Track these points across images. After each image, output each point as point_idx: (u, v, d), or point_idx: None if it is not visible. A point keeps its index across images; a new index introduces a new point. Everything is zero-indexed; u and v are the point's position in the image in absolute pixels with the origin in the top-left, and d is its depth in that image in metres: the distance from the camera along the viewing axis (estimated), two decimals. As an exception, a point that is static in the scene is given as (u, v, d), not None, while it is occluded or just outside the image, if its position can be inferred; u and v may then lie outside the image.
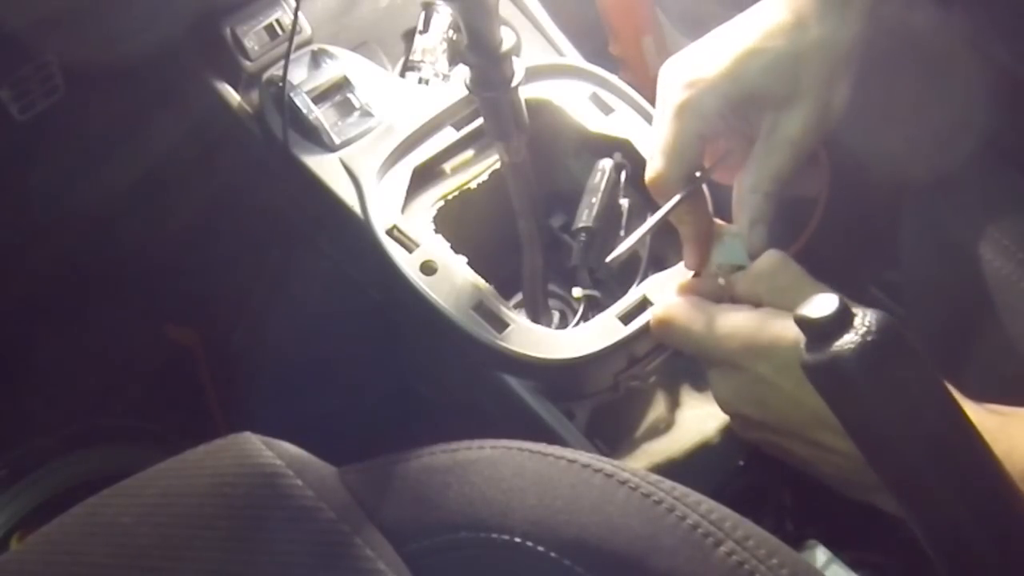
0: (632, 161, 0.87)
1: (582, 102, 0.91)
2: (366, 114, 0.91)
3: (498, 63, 0.77)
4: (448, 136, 0.90)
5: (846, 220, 0.85)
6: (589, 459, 0.67)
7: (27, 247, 1.04)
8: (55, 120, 0.91)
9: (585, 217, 0.87)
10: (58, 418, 1.14)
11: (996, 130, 0.81)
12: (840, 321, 0.55)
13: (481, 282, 0.83)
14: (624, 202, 0.88)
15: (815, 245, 0.81)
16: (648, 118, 0.88)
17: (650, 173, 0.77)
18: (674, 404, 0.85)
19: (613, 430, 0.84)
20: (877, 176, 0.85)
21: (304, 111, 0.90)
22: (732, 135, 0.79)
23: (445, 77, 0.96)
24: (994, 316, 0.79)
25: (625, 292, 0.83)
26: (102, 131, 0.98)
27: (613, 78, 0.92)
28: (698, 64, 0.77)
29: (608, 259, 0.79)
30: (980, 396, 0.67)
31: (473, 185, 0.90)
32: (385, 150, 0.88)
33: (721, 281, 0.77)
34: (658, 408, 0.85)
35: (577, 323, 0.88)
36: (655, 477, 0.65)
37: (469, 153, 0.91)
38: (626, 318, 0.81)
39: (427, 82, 0.96)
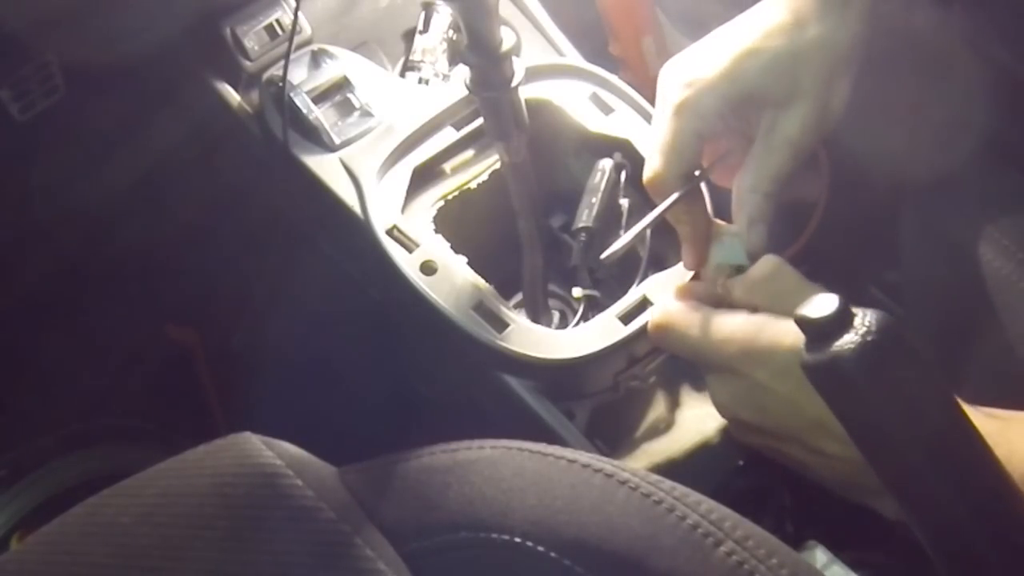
0: (632, 161, 0.87)
1: (582, 102, 0.91)
2: (366, 114, 0.91)
3: (498, 63, 0.77)
4: (448, 136, 0.90)
5: (846, 220, 0.85)
6: (589, 459, 0.67)
7: (27, 247, 1.04)
8: (55, 120, 0.91)
9: (585, 217, 0.87)
10: (58, 418, 1.14)
11: (996, 130, 0.81)
12: (840, 321, 0.55)
13: (481, 282, 0.83)
14: (624, 202, 0.88)
15: (815, 245, 0.81)
16: (648, 118, 0.88)
17: (648, 172, 0.77)
18: (674, 404, 0.85)
19: (613, 430, 0.84)
20: (877, 176, 0.85)
21: (304, 111, 0.90)
22: (731, 135, 0.79)
23: (445, 77, 0.96)
24: (994, 316, 0.79)
25: (625, 292, 0.83)
26: (102, 131, 0.98)
27: (613, 78, 0.92)
28: (697, 64, 0.77)
29: (603, 256, 0.79)
30: (979, 396, 0.67)
31: (473, 185, 0.90)
32: (385, 150, 0.88)
33: (720, 284, 0.77)
34: (658, 408, 0.85)
35: (577, 323, 0.88)
36: (655, 477, 0.65)
37: (469, 153, 0.91)
38: (626, 318, 0.81)
39: (427, 82, 0.96)
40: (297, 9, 0.92)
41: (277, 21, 0.93)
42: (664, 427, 0.84)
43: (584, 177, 0.89)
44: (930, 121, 0.84)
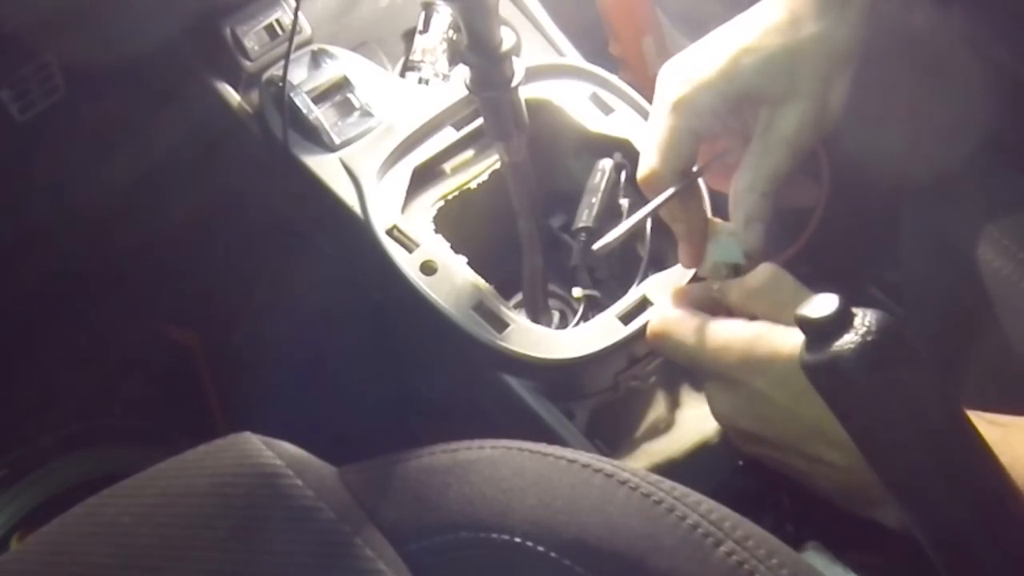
0: (632, 161, 0.87)
1: (582, 102, 0.91)
2: (366, 114, 0.91)
3: (498, 63, 0.77)
4: (448, 136, 0.90)
5: (846, 220, 0.85)
6: (589, 459, 0.67)
7: (27, 247, 1.04)
8: (55, 120, 0.91)
9: (585, 217, 0.87)
10: (58, 418, 1.14)
11: (996, 130, 0.81)
12: (840, 321, 0.55)
13: (481, 282, 0.83)
14: (624, 202, 0.88)
15: (815, 246, 0.81)
16: (648, 118, 0.88)
17: (643, 169, 0.77)
18: (674, 404, 0.85)
19: (613, 430, 0.84)
20: (877, 176, 0.85)
21: (304, 111, 0.90)
22: (729, 134, 0.79)
23: (445, 77, 0.96)
24: (994, 316, 0.79)
25: (625, 292, 0.83)
26: (102, 131, 0.98)
27: (613, 78, 0.92)
28: (695, 63, 0.77)
29: (595, 246, 0.79)
30: (979, 396, 0.67)
31: (473, 185, 0.90)
32: (385, 150, 0.88)
33: (715, 286, 0.77)
34: (658, 408, 0.85)
35: (577, 323, 0.88)
36: (655, 477, 0.65)
37: (469, 153, 0.91)
38: (626, 318, 0.81)
39: (427, 82, 0.96)
40: (297, 9, 0.92)
41: (277, 21, 0.93)
42: (664, 427, 0.84)
43: (584, 177, 0.89)
44: (930, 121, 0.83)
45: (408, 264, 0.83)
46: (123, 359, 1.17)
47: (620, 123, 0.90)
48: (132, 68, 0.91)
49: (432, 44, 0.97)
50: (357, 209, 0.86)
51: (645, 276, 0.85)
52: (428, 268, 0.83)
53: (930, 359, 0.56)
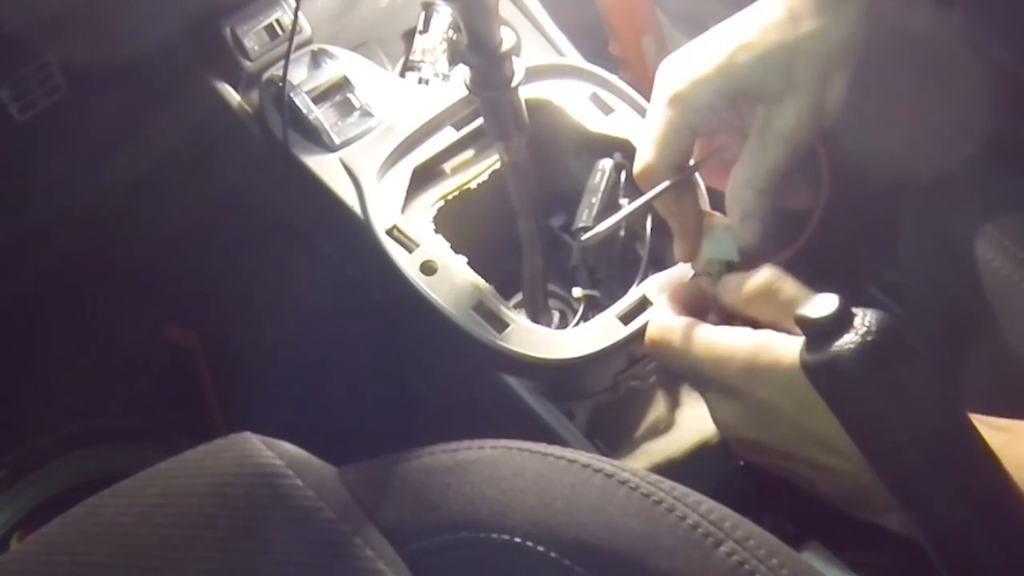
0: (632, 161, 0.87)
1: (582, 102, 0.91)
2: (366, 114, 0.91)
3: (498, 63, 0.77)
4: (448, 136, 0.90)
5: (846, 220, 0.85)
6: (589, 459, 0.67)
7: (27, 247, 1.04)
8: (55, 120, 0.91)
9: (585, 217, 0.87)
10: (58, 418, 1.14)
11: (996, 130, 0.81)
12: (840, 321, 0.55)
13: (481, 282, 0.83)
14: (624, 202, 0.88)
15: (815, 245, 0.81)
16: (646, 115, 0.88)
17: (638, 163, 0.77)
18: (674, 404, 0.85)
19: (613, 430, 0.84)
20: (877, 176, 0.85)
21: (304, 111, 0.90)
22: (727, 130, 0.79)
23: (445, 77, 0.96)
24: (994, 316, 0.79)
25: (625, 292, 0.83)
26: (102, 131, 0.98)
27: (613, 78, 0.92)
28: (693, 59, 0.77)
29: (584, 237, 0.79)
30: (979, 396, 0.67)
31: (473, 185, 0.90)
32: (385, 150, 0.88)
33: (716, 287, 0.77)
34: (658, 408, 0.85)
35: (577, 323, 0.88)
36: (655, 477, 0.65)
37: (469, 153, 0.91)
38: (626, 318, 0.81)
39: (427, 82, 0.96)
40: (297, 9, 0.92)
41: (277, 21, 0.93)
42: (664, 427, 0.84)
43: (584, 177, 0.89)
44: (930, 121, 0.83)
45: (408, 264, 0.83)
46: (123, 359, 1.17)
47: (620, 123, 0.90)
48: (132, 68, 0.91)
49: (432, 44, 0.97)
50: (357, 209, 0.86)
51: (645, 276, 0.85)
52: (428, 268, 0.83)
53: (930, 359, 0.56)
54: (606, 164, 0.88)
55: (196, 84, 0.94)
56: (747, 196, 0.76)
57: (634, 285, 0.84)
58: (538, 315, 0.89)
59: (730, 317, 0.76)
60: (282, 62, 0.91)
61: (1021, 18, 0.80)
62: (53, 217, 1.02)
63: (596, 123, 0.90)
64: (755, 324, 0.74)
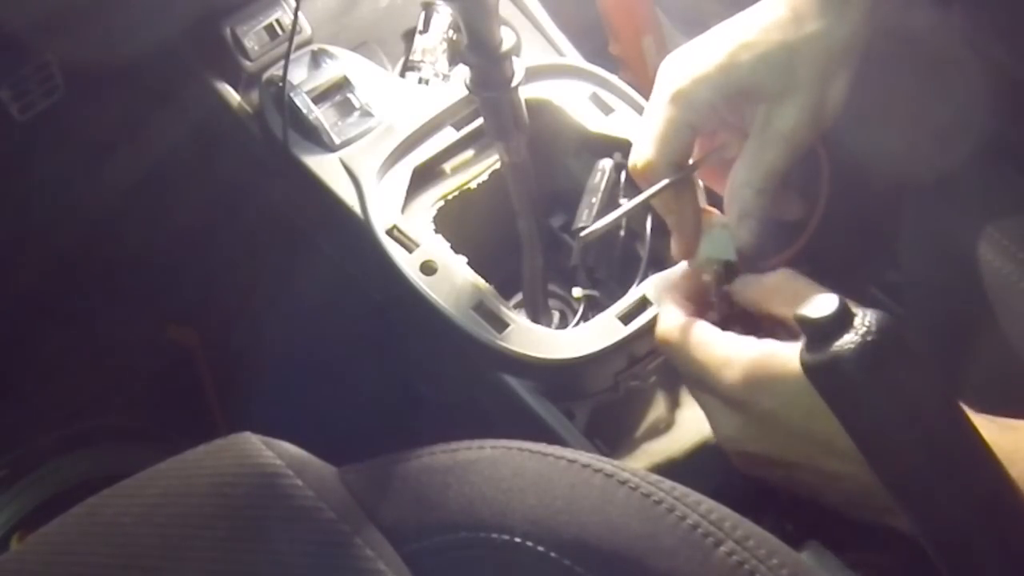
0: (632, 161, 0.87)
1: (582, 102, 0.91)
2: (366, 114, 0.91)
3: (498, 63, 0.77)
4: (448, 136, 0.90)
5: (846, 220, 0.85)
6: (589, 459, 0.67)
7: (27, 247, 1.04)
8: (55, 120, 0.91)
9: (585, 217, 0.87)
10: (58, 418, 1.14)
11: (996, 130, 0.81)
12: (840, 321, 0.55)
13: (481, 282, 0.83)
14: (624, 202, 0.88)
15: (815, 245, 0.81)
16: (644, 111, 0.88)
17: (640, 160, 0.77)
18: (674, 404, 0.85)
19: (613, 430, 0.84)
20: (877, 176, 0.85)
21: (304, 111, 0.90)
22: (727, 129, 0.79)
23: (445, 77, 0.96)
24: (994, 316, 0.79)
25: (625, 292, 0.83)
26: (102, 131, 0.98)
27: (613, 78, 0.92)
28: (694, 57, 0.77)
29: (582, 234, 0.79)
30: (979, 396, 0.67)
31: (473, 185, 0.90)
32: (385, 150, 0.88)
33: (706, 277, 0.77)
34: (658, 408, 0.85)
35: (577, 323, 0.88)
36: (655, 477, 0.65)
37: (469, 153, 0.91)
38: (626, 318, 0.81)
39: (427, 82, 0.96)
40: (297, 9, 0.92)
41: (277, 21, 0.93)
42: (664, 427, 0.84)
43: (584, 177, 0.89)
44: (930, 121, 0.83)
45: (408, 264, 0.83)
46: (123, 359, 1.17)
47: (620, 123, 0.90)
48: (132, 68, 0.91)
49: (432, 44, 0.97)
50: (357, 209, 0.86)
51: (645, 276, 0.85)
52: (428, 268, 0.83)
53: (930, 359, 0.56)
54: (606, 164, 0.88)
55: (196, 84, 0.94)
56: (746, 195, 0.76)
57: (634, 285, 0.84)
58: (538, 315, 0.89)
59: (730, 314, 0.76)
60: (282, 62, 0.91)
61: (1021, 18, 0.80)
62: (53, 217, 1.02)
63: (596, 123, 0.90)
64: (757, 325, 0.75)
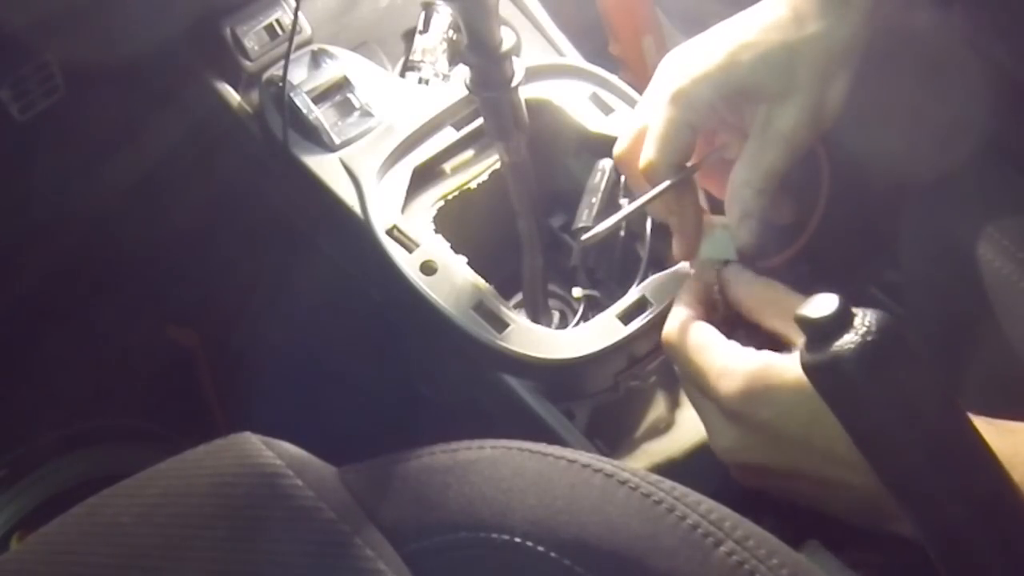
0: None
1: (582, 102, 0.91)
2: (366, 114, 0.91)
3: (498, 63, 0.77)
4: (448, 136, 0.90)
5: (846, 220, 0.85)
6: (589, 459, 0.67)
7: (27, 247, 1.04)
8: (55, 120, 0.91)
9: (585, 217, 0.87)
10: (58, 418, 1.14)
11: (996, 130, 0.81)
12: (840, 321, 0.55)
13: (481, 282, 0.83)
14: (624, 202, 0.88)
15: (815, 245, 0.81)
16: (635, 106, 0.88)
17: (641, 160, 0.77)
18: (674, 404, 0.85)
19: (613, 430, 0.84)
20: (877, 176, 0.85)
21: (304, 111, 0.90)
22: (727, 129, 0.79)
23: (445, 77, 0.96)
24: (994, 316, 0.79)
25: (625, 292, 0.83)
26: (102, 131, 0.98)
27: (613, 78, 0.92)
28: (694, 56, 0.77)
29: (584, 238, 0.79)
30: (979, 396, 0.67)
31: (473, 185, 0.90)
32: (385, 150, 0.88)
33: (707, 278, 0.77)
34: (658, 408, 0.85)
35: (577, 323, 0.88)
36: (655, 477, 0.65)
37: (469, 153, 0.91)
38: (626, 318, 0.81)
39: (427, 82, 0.96)
40: (297, 9, 0.92)
41: (277, 21, 0.93)
42: (664, 427, 0.84)
43: (584, 177, 0.89)
44: (930, 121, 0.83)
45: (408, 264, 0.83)
46: (123, 359, 1.17)
47: (620, 123, 0.89)
48: (132, 68, 0.91)
49: (432, 44, 0.97)
50: (357, 209, 0.86)
51: (645, 276, 0.85)
52: (428, 268, 0.83)
53: (930, 359, 0.56)
54: (606, 164, 0.88)
55: (196, 84, 0.94)
56: (746, 195, 0.76)
57: (634, 285, 0.84)
58: (538, 315, 0.89)
59: (734, 314, 0.76)
60: (282, 62, 0.91)
61: (1021, 18, 0.80)
62: (53, 217, 1.02)
63: (596, 123, 0.90)
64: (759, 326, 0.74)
